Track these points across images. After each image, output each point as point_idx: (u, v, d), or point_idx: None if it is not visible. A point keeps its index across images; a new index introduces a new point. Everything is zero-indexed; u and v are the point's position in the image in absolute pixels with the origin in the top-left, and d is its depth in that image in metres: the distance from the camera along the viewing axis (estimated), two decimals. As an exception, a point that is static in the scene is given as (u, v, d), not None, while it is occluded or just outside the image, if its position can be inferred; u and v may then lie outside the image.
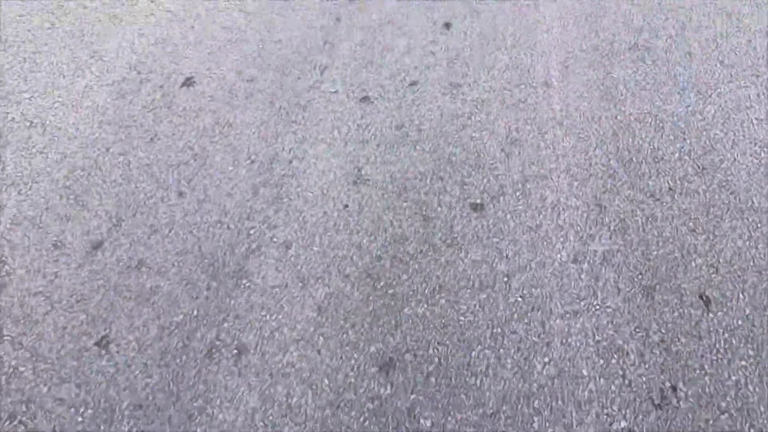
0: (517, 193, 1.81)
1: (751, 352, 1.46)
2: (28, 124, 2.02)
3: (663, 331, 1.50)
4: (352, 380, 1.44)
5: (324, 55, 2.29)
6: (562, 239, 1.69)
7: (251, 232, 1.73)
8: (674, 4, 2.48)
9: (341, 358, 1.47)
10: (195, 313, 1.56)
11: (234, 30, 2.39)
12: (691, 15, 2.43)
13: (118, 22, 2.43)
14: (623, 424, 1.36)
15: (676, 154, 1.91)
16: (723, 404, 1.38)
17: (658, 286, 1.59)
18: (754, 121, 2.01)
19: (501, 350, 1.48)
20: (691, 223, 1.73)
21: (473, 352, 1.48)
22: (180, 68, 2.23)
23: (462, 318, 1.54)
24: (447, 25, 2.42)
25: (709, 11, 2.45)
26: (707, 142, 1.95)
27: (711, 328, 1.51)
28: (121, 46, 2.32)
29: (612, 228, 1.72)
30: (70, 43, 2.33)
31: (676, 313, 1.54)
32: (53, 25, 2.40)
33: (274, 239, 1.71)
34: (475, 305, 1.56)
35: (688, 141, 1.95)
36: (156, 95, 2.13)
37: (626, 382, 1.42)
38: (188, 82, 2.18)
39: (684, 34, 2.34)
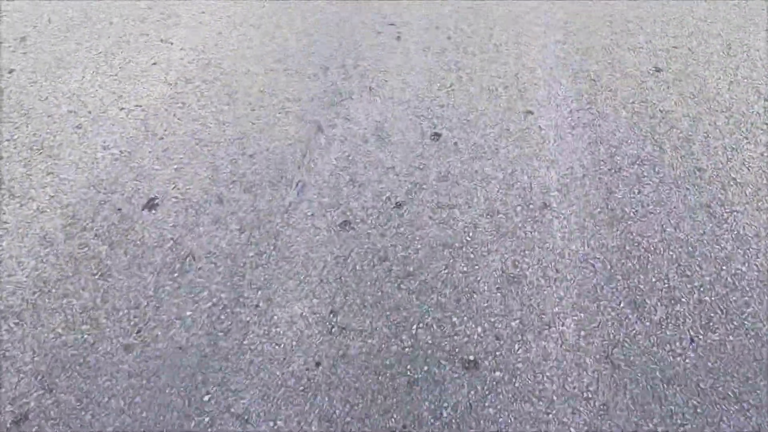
0: (516, 347, 1.57)
1: None
2: (-35, 256, 1.80)
3: None
4: None
5: (302, 170, 2.11)
6: (570, 410, 1.44)
7: (205, 399, 1.47)
8: (678, 112, 2.33)
9: None
10: None
11: (206, 142, 2.22)
12: (696, 125, 2.27)
13: (83, 132, 2.26)
14: None
15: (695, 294, 1.69)
16: None
17: (689, 477, 1.32)
18: (779, 253, 1.80)
19: None
20: (720, 388, 1.48)
21: None
22: (144, 187, 2.04)
23: None
24: (436, 136, 2.25)
25: (716, 120, 2.30)
26: (728, 278, 1.73)
27: None
28: (82, 160, 2.14)
29: (629, 395, 1.47)
30: (28, 156, 2.15)
31: None
32: (12, 137, 2.23)
33: (232, 409, 1.45)
34: (469, 504, 1.29)
35: (707, 277, 1.73)
36: (113, 220, 1.92)
37: None
38: (151, 204, 1.98)
39: (691, 147, 2.18)
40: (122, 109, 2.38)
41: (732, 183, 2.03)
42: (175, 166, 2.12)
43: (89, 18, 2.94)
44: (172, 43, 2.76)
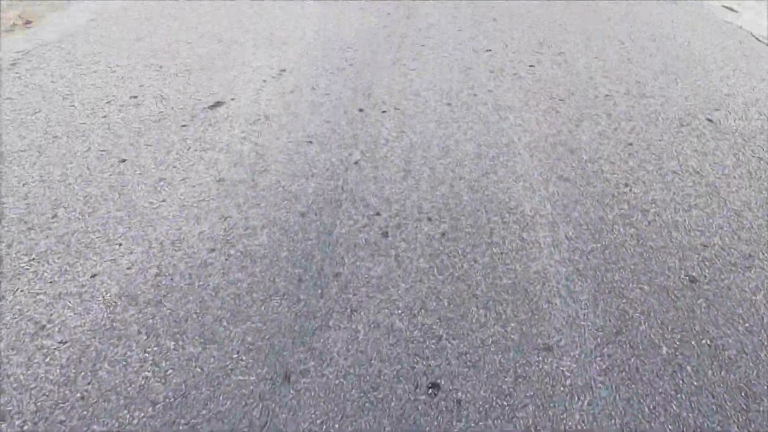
0: None
1: None
2: None
3: None
4: None
5: (259, 452, 1.60)
6: None
7: None
8: (730, 347, 1.90)
9: None
10: None
11: (137, 406, 1.72)
12: (758, 368, 1.82)
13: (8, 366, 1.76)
14: None
15: None
16: None
17: None
18: None
19: None
20: None
21: None
22: (42, 487, 1.51)
23: None
24: (434, 388, 1.78)
25: (753, 340, 1.85)
26: None
27: None
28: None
29: None
30: None
31: None
32: None
33: None
34: None
35: None
36: None
37: None
38: None
39: (759, 406, 1.71)
40: (41, 348, 1.90)
41: (826, 470, 1.54)
42: (92, 447, 1.61)
43: (31, 210, 2.56)
44: (120, 245, 2.36)
